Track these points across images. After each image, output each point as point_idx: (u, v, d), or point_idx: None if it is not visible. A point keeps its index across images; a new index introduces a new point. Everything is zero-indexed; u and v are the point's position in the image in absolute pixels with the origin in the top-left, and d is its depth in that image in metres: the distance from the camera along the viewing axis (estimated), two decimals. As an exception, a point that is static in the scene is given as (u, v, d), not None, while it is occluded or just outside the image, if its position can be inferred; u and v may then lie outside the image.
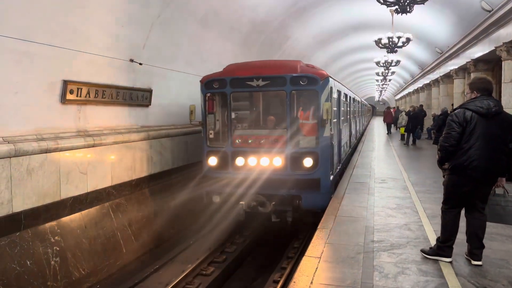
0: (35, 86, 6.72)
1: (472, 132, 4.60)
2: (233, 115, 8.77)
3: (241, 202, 8.09)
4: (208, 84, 8.67)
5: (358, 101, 22.28)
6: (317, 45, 21.49)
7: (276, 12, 14.33)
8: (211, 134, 8.85)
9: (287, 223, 8.47)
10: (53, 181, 6.98)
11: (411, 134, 20.07)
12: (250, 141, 8.70)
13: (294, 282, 4.50)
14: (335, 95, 9.39)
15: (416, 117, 20.28)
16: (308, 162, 8.18)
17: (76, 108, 7.65)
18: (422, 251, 5.14)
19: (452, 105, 19.24)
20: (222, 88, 8.53)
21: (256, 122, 9.60)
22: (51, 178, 6.92)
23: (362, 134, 26.59)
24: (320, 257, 5.13)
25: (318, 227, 6.46)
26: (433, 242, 5.40)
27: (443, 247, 4.91)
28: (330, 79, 8.54)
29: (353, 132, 17.24)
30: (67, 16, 7.03)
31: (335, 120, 9.53)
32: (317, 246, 5.55)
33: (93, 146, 7.86)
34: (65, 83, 7.16)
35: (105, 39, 8.13)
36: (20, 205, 6.35)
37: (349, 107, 14.73)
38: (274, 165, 8.23)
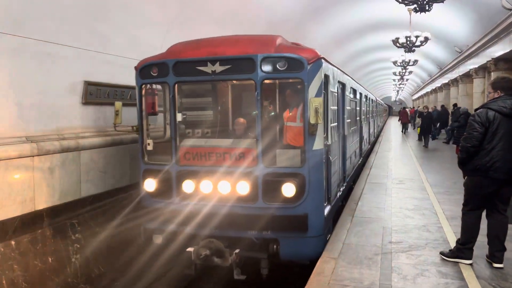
0: (57, 86, 6.87)
1: (495, 133, 4.53)
2: (179, 118, 5.98)
3: (188, 249, 5.59)
4: (145, 71, 5.98)
5: (372, 99, 19.32)
6: (334, 44, 21.37)
7: (293, 12, 14.30)
8: (149, 144, 6.11)
9: (261, 277, 5.76)
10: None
11: (428, 135, 19.59)
12: (204, 156, 5.83)
13: (311, 282, 4.50)
14: (334, 88, 6.80)
15: (431, 117, 19.76)
16: (289, 189, 5.34)
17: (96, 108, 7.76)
18: (442, 253, 5.08)
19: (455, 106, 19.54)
20: (162, 77, 5.83)
21: (215, 127, 6.90)
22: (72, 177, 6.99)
23: (378, 135, 25.71)
24: (337, 258, 5.12)
25: (335, 227, 6.45)
26: (452, 244, 5.33)
27: (463, 249, 4.84)
28: (324, 63, 5.74)
29: (366, 136, 14.89)
30: (89, 19, 7.16)
31: (335, 124, 6.89)
32: (335, 246, 5.54)
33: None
34: (86, 83, 7.29)
35: (123, 41, 8.24)
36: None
37: (360, 106, 12.28)
38: (238, 192, 5.50)
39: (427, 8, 11.54)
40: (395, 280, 4.47)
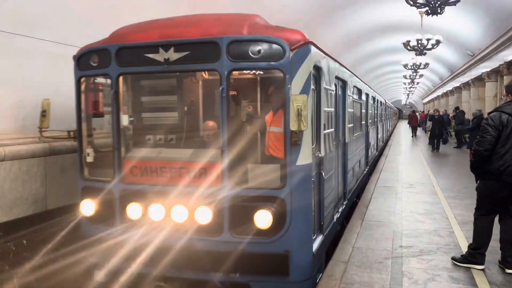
0: (69, 87, 6.94)
1: (509, 136, 4.48)
2: (124, 121, 4.75)
3: None
4: (83, 60, 4.72)
5: (381, 102, 17.86)
6: (344, 47, 21.32)
7: (302, 13, 14.31)
8: (89, 155, 4.85)
9: None
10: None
11: (439, 139, 19.15)
12: (155, 172, 4.50)
13: (321, 285, 4.48)
14: (330, 85, 5.42)
15: (441, 121, 19.24)
16: (263, 218, 4.05)
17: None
18: (453, 259, 5.02)
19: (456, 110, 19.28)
20: (104, 67, 4.56)
21: (181, 133, 5.47)
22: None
23: (387, 140, 25.01)
24: (347, 261, 5.08)
25: (345, 231, 6.41)
26: (464, 249, 5.27)
27: (475, 254, 4.78)
28: (314, 50, 4.45)
29: (373, 142, 13.63)
30: (100, 20, 7.24)
31: (331, 130, 5.52)
32: (344, 250, 5.50)
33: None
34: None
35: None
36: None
37: (366, 109, 10.86)
38: (197, 221, 4.21)
39: (439, 11, 11.46)
40: (405, 285, 4.43)
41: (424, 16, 13.12)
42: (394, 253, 5.37)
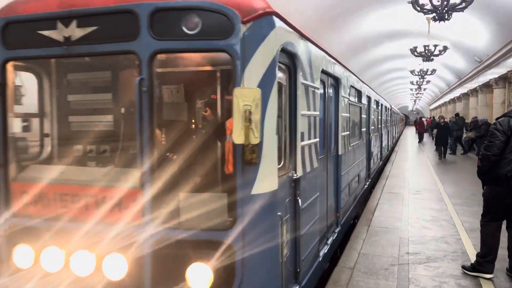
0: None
1: None
2: (16, 127, 3.56)
3: None
4: None
5: (386, 107, 16.74)
6: (350, 52, 21.30)
7: (309, 20, 14.33)
8: None
9: None
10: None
11: (445, 146, 18.73)
12: (54, 201, 3.21)
13: (327, 291, 4.43)
14: (309, 79, 4.03)
15: (447, 128, 18.82)
16: (199, 274, 2.82)
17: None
18: (463, 267, 4.94)
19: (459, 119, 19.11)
20: None
21: (115, 143, 3.93)
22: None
23: (393, 147, 24.30)
24: (353, 268, 5.05)
25: (351, 237, 6.37)
26: (472, 257, 5.22)
27: (483, 262, 4.71)
28: (280, 24, 3.20)
29: (376, 151, 12.14)
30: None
31: (314, 140, 4.18)
32: (350, 256, 5.46)
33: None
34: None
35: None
36: None
37: (368, 114, 9.70)
38: (107, 276, 2.99)
39: (446, 17, 11.40)
40: (412, 292, 4.38)
41: (432, 22, 13.08)
42: (401, 259, 5.33)
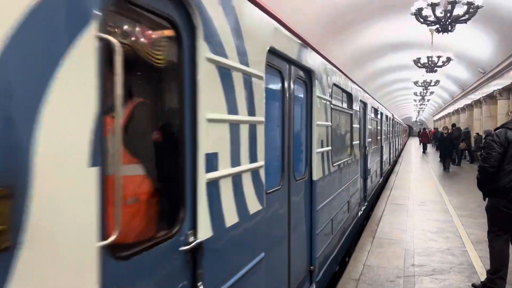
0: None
1: None
2: None
3: None
4: None
5: (387, 116, 15.56)
6: (354, 63, 21.39)
7: (313, 31, 14.44)
8: None
9: None
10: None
11: (449, 158, 18.17)
12: None
13: (332, 303, 4.37)
14: (233, 58, 2.32)
15: (450, 139, 18.25)
16: None
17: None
18: (474, 286, 4.85)
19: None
20: None
21: None
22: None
23: (396, 159, 23.44)
24: (358, 279, 5.00)
25: (356, 248, 6.33)
26: (478, 269, 5.16)
27: (494, 279, 4.58)
28: None
29: (375, 168, 10.43)
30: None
31: (257, 165, 2.65)
32: (355, 267, 5.42)
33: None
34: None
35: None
36: None
37: (362, 123, 7.99)
38: None
39: (449, 28, 11.44)
40: (418, 305, 4.33)
41: (435, 33, 13.14)
42: (406, 271, 5.28)
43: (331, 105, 5.02)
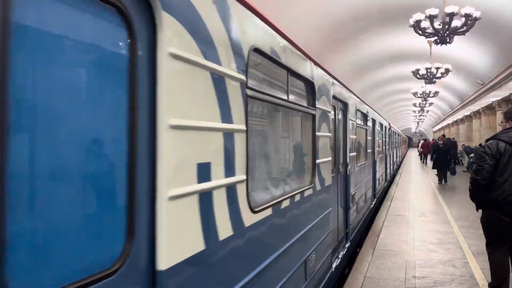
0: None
1: (507, 165, 4.32)
2: None
3: None
4: None
5: (383, 126, 14.10)
6: (353, 75, 21.52)
7: (312, 43, 14.55)
8: None
9: None
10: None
11: (446, 170, 16.95)
12: None
13: (332, 316, 4.30)
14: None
15: (447, 150, 17.04)
16: None
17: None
18: None
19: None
20: None
21: None
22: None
23: (395, 173, 22.10)
24: (359, 291, 4.96)
25: (356, 259, 6.28)
26: (480, 281, 5.12)
27: None
28: None
29: (362, 191, 8.10)
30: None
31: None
32: (356, 279, 5.38)
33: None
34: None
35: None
36: None
37: (347, 131, 6.25)
38: None
39: (448, 40, 11.53)
40: (420, 317, 4.29)
41: (433, 45, 13.24)
42: (407, 283, 5.23)
43: (296, 104, 3.57)
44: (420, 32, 11.57)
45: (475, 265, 5.94)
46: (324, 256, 4.43)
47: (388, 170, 16.03)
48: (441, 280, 5.36)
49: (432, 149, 20.02)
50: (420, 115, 45.72)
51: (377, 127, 11.42)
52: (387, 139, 15.82)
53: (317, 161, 4.15)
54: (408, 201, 11.98)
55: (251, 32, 2.56)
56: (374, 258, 6.31)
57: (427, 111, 41.57)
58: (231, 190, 2.20)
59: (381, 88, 29.19)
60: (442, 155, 16.67)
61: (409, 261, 6.16)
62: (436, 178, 17.67)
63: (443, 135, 22.63)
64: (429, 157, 30.90)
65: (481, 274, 5.47)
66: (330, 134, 4.78)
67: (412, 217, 9.56)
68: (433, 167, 17.46)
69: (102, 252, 1.42)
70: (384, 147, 14.18)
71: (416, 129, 72.28)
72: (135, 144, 1.52)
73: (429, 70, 17.19)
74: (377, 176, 11.29)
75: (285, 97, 3.27)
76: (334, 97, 5.29)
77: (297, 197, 3.48)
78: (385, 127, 14.88)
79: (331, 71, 5.38)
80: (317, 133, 4.15)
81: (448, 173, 17.30)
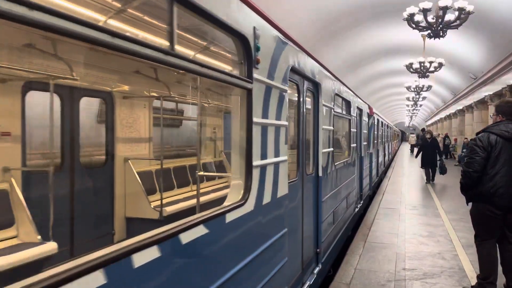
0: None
1: (498, 157, 4.34)
2: None
3: None
4: None
5: (379, 120, 13.67)
6: (347, 68, 21.50)
7: (306, 36, 14.50)
8: None
9: None
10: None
11: (433, 168, 15.32)
12: None
13: (322, 307, 4.32)
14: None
15: (434, 146, 15.23)
16: None
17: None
18: None
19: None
20: None
21: None
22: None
23: (391, 161, 21.65)
24: (349, 283, 4.99)
25: (347, 252, 6.32)
26: (469, 273, 5.17)
27: (484, 284, 4.52)
28: None
29: (342, 196, 6.63)
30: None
31: None
32: (346, 272, 5.41)
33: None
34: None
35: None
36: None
37: (312, 121, 4.77)
38: None
39: (441, 34, 11.54)
40: (409, 309, 4.32)
41: (427, 39, 13.25)
42: (397, 275, 5.27)
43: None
44: (414, 25, 11.56)
45: (464, 257, 5.99)
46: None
47: (379, 167, 15.18)
48: (430, 272, 5.41)
49: (418, 144, 17.39)
50: (413, 109, 45.91)
51: (364, 117, 10.18)
52: (377, 133, 14.60)
53: (256, 163, 2.77)
54: (400, 195, 12.06)
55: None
56: (365, 250, 6.35)
57: (420, 105, 41.76)
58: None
59: (374, 82, 29.21)
60: (430, 151, 14.95)
61: (400, 253, 6.21)
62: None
63: (423, 129, 22.18)
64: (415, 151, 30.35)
65: (470, 266, 5.52)
66: (285, 123, 3.38)
67: (403, 210, 9.62)
68: (422, 166, 15.80)
69: None
70: (374, 141, 13.07)
71: (409, 123, 72.59)
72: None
73: (422, 64, 17.22)
74: (364, 174, 10.15)
75: (168, 47, 1.81)
76: (296, 70, 3.84)
77: (207, 228, 2.15)
78: (375, 118, 13.66)
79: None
80: (256, 119, 2.77)
81: (438, 171, 15.34)
